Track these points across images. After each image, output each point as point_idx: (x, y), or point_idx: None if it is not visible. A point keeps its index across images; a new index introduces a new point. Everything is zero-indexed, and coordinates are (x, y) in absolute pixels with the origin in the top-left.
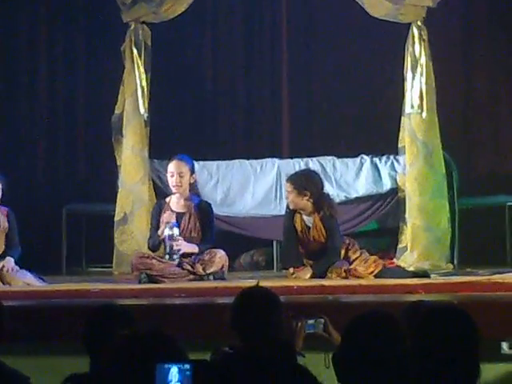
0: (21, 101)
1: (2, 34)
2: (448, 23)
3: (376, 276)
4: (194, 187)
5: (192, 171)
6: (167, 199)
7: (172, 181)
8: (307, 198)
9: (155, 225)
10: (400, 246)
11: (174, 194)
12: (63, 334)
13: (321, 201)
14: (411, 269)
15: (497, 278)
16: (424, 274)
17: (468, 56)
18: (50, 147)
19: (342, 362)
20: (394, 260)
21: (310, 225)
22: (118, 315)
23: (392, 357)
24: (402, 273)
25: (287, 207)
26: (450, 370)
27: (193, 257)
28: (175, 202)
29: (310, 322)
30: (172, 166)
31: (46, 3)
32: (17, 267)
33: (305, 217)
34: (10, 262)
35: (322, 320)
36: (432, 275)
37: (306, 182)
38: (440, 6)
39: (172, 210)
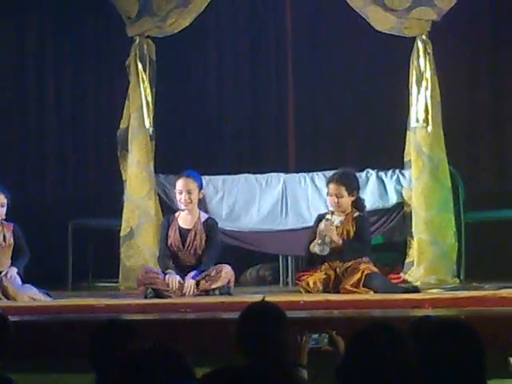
0: (29, 115)
1: (9, 52)
2: (453, 37)
3: (364, 282)
4: (202, 203)
5: (200, 187)
6: (176, 214)
7: (180, 198)
8: (354, 198)
9: (164, 238)
10: (408, 260)
11: (183, 210)
12: (69, 349)
13: (360, 200)
14: (417, 283)
15: (503, 292)
16: (414, 290)
17: (473, 70)
18: (57, 162)
19: (344, 375)
20: (401, 274)
21: (339, 224)
22: (123, 330)
23: (395, 370)
24: (391, 286)
25: (320, 215)
26: None
27: (197, 273)
28: (183, 218)
29: (314, 336)
30: (180, 184)
31: (53, 20)
32: (18, 280)
33: (335, 217)
34: (12, 270)
35: (327, 334)
36: (438, 290)
37: (353, 182)
38: (445, 20)
39: (179, 226)
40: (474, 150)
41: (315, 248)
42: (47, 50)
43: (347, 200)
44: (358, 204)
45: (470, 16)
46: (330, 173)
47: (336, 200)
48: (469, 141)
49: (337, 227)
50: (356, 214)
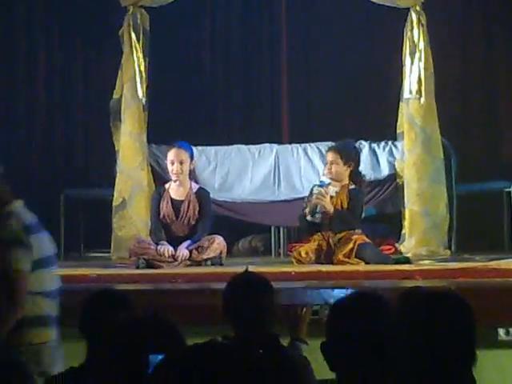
0: (18, 86)
1: None
2: (447, 8)
3: (356, 252)
4: (192, 173)
5: (191, 158)
6: (166, 186)
7: (172, 169)
8: (351, 168)
9: (156, 212)
10: (404, 231)
11: (175, 181)
12: (61, 318)
13: (357, 173)
14: (409, 255)
15: (494, 264)
16: (405, 261)
17: (466, 41)
18: (48, 132)
19: (329, 349)
20: (396, 245)
21: (334, 194)
22: (115, 300)
23: (380, 338)
24: (383, 257)
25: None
26: (445, 355)
27: (191, 243)
28: (174, 190)
29: (315, 307)
30: (172, 154)
31: None
32: None
33: (330, 187)
34: None
35: (327, 305)
36: (429, 261)
37: (351, 153)
38: None
39: (171, 198)
40: (466, 121)
41: (306, 212)
42: (38, 20)
43: (342, 169)
44: (355, 177)
45: None
46: (322, 144)
47: (330, 167)
48: (461, 113)
49: (331, 197)
50: (352, 186)
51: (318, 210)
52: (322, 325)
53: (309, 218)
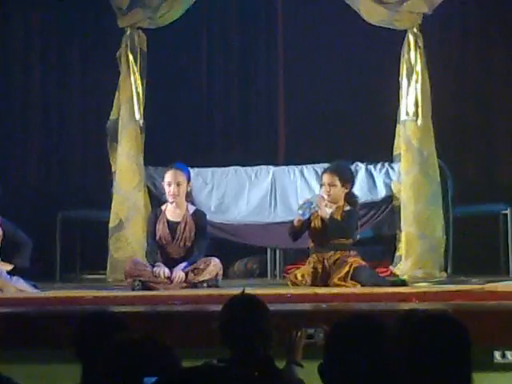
0: (15, 106)
1: None
2: (444, 30)
3: (352, 275)
4: (189, 195)
5: (188, 180)
6: (163, 207)
7: (169, 190)
8: (347, 190)
9: (152, 233)
10: (398, 253)
11: (171, 203)
12: (56, 341)
13: (352, 194)
14: (405, 277)
15: (490, 286)
16: (401, 283)
17: (463, 63)
18: (45, 153)
19: (326, 371)
20: (390, 267)
21: (328, 216)
22: (110, 322)
23: (377, 360)
24: (379, 280)
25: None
26: (442, 378)
27: (187, 265)
28: (171, 211)
29: (310, 331)
30: (169, 176)
31: (41, 9)
32: (5, 274)
33: (327, 209)
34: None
35: (322, 329)
36: (425, 283)
37: (348, 174)
38: (436, 13)
39: (168, 219)
40: (463, 143)
41: (298, 209)
42: (35, 41)
43: (340, 191)
44: (350, 198)
45: (460, 9)
46: (319, 166)
47: (328, 189)
48: (457, 135)
49: (322, 220)
50: (347, 207)
51: (310, 207)
52: (317, 348)
53: (299, 212)
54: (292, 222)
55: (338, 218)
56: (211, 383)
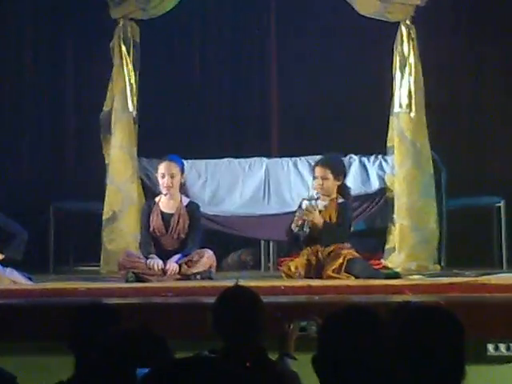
0: (7, 96)
1: None
2: (437, 22)
3: (346, 267)
4: (183, 187)
5: (182, 171)
6: (156, 199)
7: (163, 182)
8: (340, 182)
9: (145, 225)
10: (388, 246)
11: (165, 195)
12: (50, 332)
13: (345, 186)
14: (398, 269)
15: (484, 279)
16: (395, 276)
17: (456, 55)
18: (38, 144)
19: (320, 363)
20: (382, 261)
21: (323, 208)
22: (104, 314)
23: (370, 352)
24: (372, 272)
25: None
26: (435, 370)
27: (180, 257)
28: (165, 203)
29: (303, 323)
30: (163, 167)
31: (34, 1)
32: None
33: (319, 201)
34: None
35: (315, 322)
36: (419, 276)
37: (340, 166)
38: (429, 5)
39: (161, 211)
40: (457, 136)
41: (293, 226)
42: (28, 32)
43: (332, 183)
44: (343, 190)
45: (453, 1)
46: (312, 158)
47: (321, 182)
48: (451, 127)
49: (320, 211)
50: (340, 200)
51: (305, 225)
52: (309, 340)
53: (296, 231)
54: (291, 230)
55: (333, 211)
56: (203, 374)
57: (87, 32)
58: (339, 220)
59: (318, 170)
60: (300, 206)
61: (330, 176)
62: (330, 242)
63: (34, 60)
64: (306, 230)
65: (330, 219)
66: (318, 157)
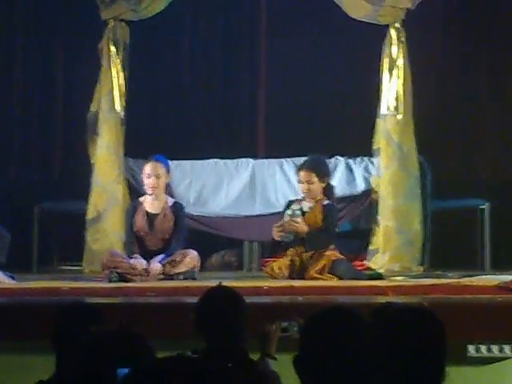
0: None
1: None
2: (426, 25)
3: (330, 268)
4: (168, 187)
5: (168, 172)
6: (141, 199)
7: (149, 182)
8: (324, 184)
9: (130, 225)
10: (371, 247)
11: (150, 195)
12: (32, 332)
13: (330, 187)
14: (382, 271)
15: (467, 281)
16: (378, 277)
17: (445, 59)
18: (23, 144)
19: (302, 364)
20: (365, 262)
21: (308, 210)
22: (87, 313)
23: (352, 353)
24: (356, 273)
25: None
26: (415, 371)
27: (164, 257)
28: (149, 203)
29: (284, 324)
30: (149, 168)
31: (24, 1)
32: None
33: (304, 203)
34: None
35: (297, 322)
36: (402, 277)
37: (324, 168)
38: (419, 9)
39: (146, 211)
40: (442, 139)
41: (278, 235)
42: (17, 32)
43: (318, 186)
44: (327, 191)
45: (443, 5)
46: (298, 159)
47: (307, 187)
48: (437, 130)
49: (306, 213)
50: (326, 202)
51: (290, 236)
52: (291, 341)
53: (280, 238)
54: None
55: (318, 213)
56: (184, 374)
57: (77, 33)
58: (324, 224)
59: (303, 175)
60: (287, 207)
61: (315, 179)
62: (314, 248)
63: (22, 60)
64: (291, 237)
65: (315, 221)
66: (303, 159)
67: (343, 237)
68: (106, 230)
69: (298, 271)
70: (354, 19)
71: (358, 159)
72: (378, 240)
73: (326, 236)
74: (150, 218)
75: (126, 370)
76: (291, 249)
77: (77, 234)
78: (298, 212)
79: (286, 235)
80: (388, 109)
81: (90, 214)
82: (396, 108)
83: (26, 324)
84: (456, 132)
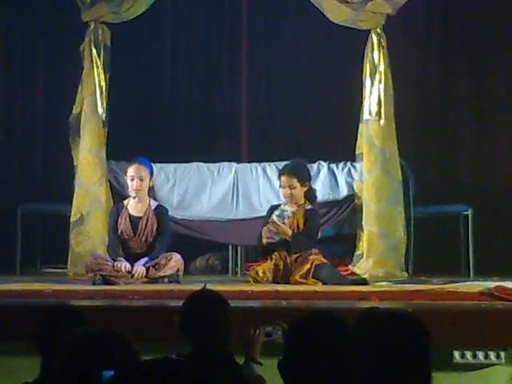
0: None
1: None
2: (407, 31)
3: (314, 273)
4: (151, 190)
5: (151, 175)
6: (125, 202)
7: (132, 185)
8: (306, 188)
9: (113, 228)
10: (357, 252)
11: (134, 197)
12: (15, 334)
13: (311, 190)
14: (366, 276)
15: (450, 286)
16: (362, 282)
17: (426, 64)
18: (5, 145)
19: (286, 368)
20: (350, 267)
21: (290, 214)
22: (70, 316)
23: (336, 357)
24: (340, 278)
25: (273, 206)
26: (401, 377)
27: (148, 260)
28: (133, 206)
29: (268, 329)
30: (132, 170)
31: (5, 2)
32: None
33: (287, 207)
34: None
35: (280, 327)
36: (386, 283)
37: (305, 173)
38: (399, 14)
39: (130, 214)
40: (425, 144)
41: (265, 236)
42: None
43: (300, 191)
44: (309, 195)
45: (424, 10)
46: (281, 163)
47: (289, 192)
48: (420, 135)
49: (288, 217)
50: (308, 206)
51: (276, 236)
52: (275, 346)
53: (265, 241)
54: (261, 239)
55: (300, 217)
56: (169, 377)
57: (58, 35)
58: (306, 228)
59: (285, 180)
60: (270, 211)
61: (297, 184)
62: (297, 251)
63: (4, 61)
64: (276, 238)
65: (298, 226)
66: (287, 163)
67: (327, 242)
68: (89, 232)
69: (282, 275)
70: (336, 24)
71: (341, 164)
72: (363, 245)
73: (307, 240)
74: (134, 221)
75: (111, 373)
76: (276, 253)
77: (61, 235)
78: (287, 213)
79: (272, 235)
80: (370, 114)
81: (74, 216)
82: (378, 113)
83: (9, 326)
84: (438, 137)
